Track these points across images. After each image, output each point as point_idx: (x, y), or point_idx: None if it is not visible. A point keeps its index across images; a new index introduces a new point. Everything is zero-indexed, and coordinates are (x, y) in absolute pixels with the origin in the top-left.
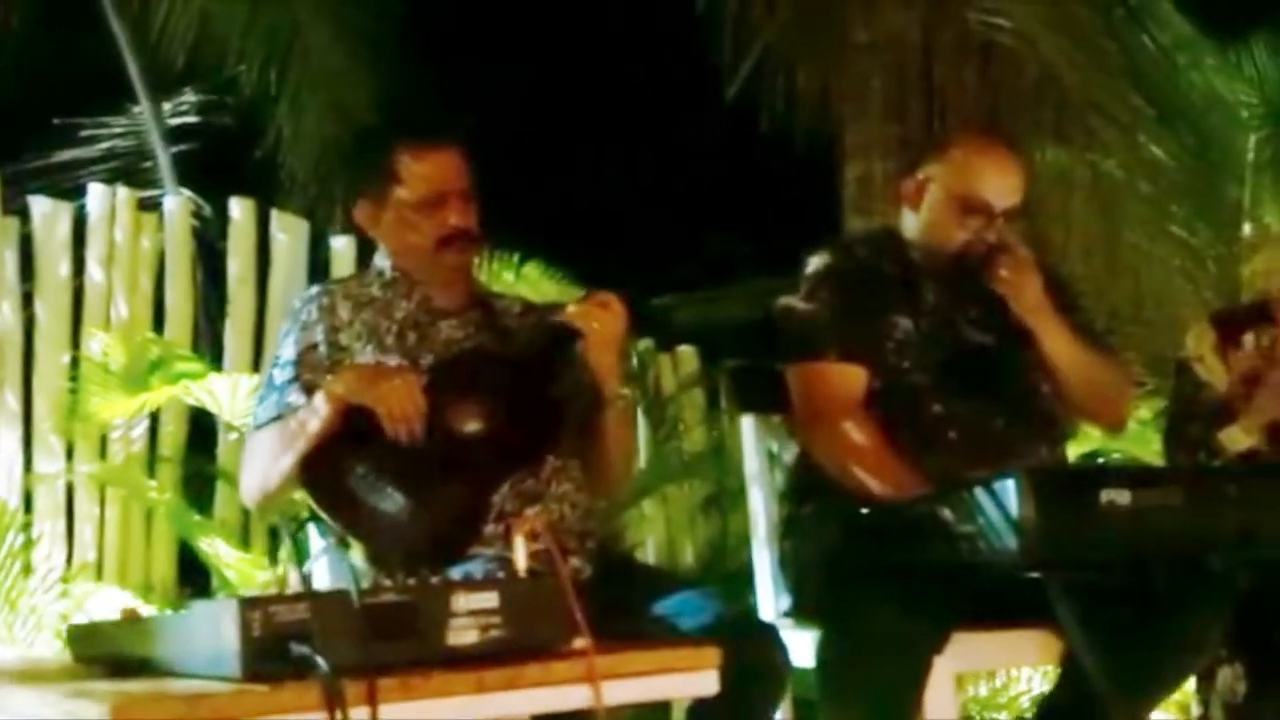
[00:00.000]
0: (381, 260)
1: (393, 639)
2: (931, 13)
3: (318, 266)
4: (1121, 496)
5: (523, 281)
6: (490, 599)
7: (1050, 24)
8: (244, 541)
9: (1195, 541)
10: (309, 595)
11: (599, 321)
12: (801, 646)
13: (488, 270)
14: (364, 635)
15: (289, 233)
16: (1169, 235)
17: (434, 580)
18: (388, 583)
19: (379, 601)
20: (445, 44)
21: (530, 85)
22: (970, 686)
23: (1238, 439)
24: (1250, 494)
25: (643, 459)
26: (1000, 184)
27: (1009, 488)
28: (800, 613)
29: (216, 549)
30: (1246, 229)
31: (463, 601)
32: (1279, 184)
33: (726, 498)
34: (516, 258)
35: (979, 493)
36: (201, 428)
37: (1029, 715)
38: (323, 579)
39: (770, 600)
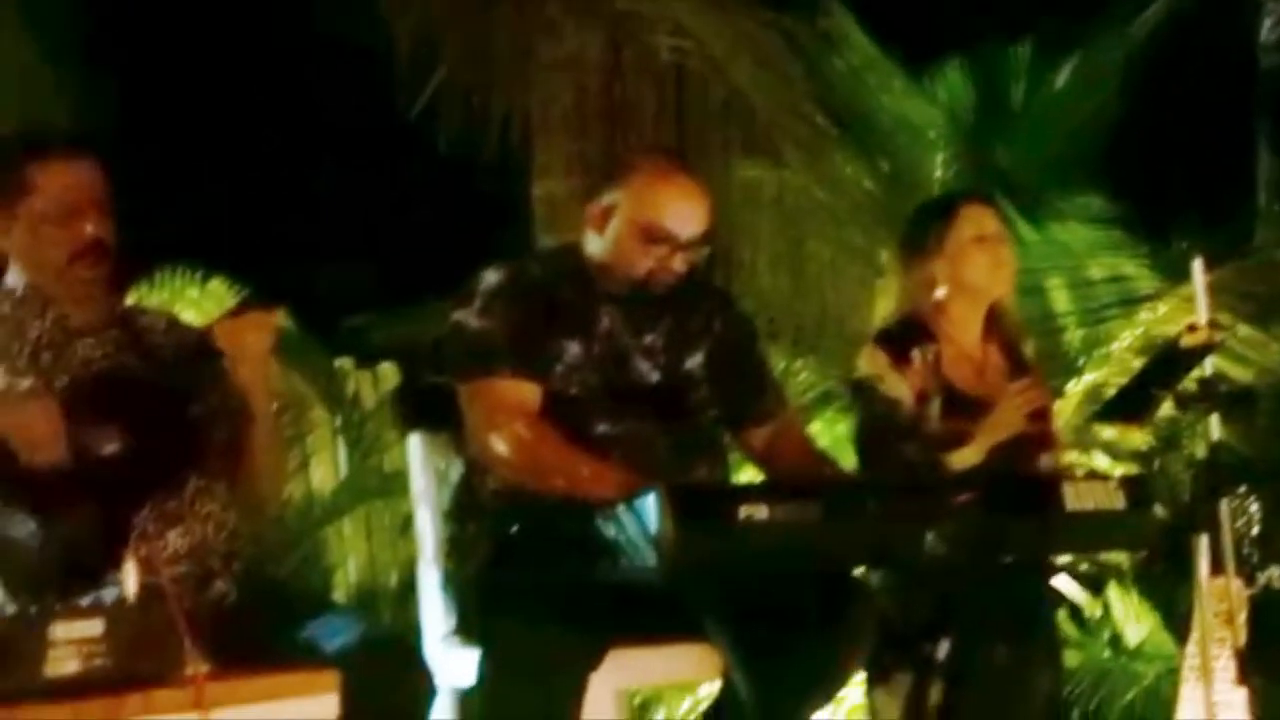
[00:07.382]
0: (13, 278)
1: None
2: (615, 33)
3: None
4: (759, 511)
5: (208, 298)
6: (94, 627)
7: (736, 46)
8: None
9: (832, 556)
10: None
11: (250, 336)
12: (467, 667)
13: (170, 287)
14: None
15: None
16: (853, 250)
17: (31, 610)
18: None
19: None
20: (133, 54)
21: (220, 103)
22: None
23: (969, 459)
24: (889, 510)
25: (341, 477)
26: (684, 212)
27: (649, 503)
28: (462, 633)
29: None
30: None
31: (62, 630)
32: None
33: None
34: (200, 274)
35: (621, 509)
36: None
37: None
38: None
39: (438, 620)
